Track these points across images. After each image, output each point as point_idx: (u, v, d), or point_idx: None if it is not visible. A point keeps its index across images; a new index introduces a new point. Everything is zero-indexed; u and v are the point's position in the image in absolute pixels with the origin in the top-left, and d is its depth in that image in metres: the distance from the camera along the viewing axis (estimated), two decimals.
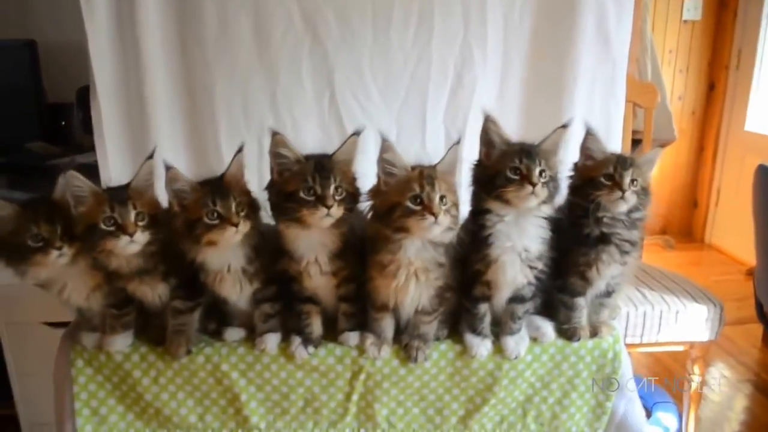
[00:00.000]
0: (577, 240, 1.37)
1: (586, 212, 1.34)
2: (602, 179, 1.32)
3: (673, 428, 2.51)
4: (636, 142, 2.68)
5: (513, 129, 2.07)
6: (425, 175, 1.22)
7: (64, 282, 1.33)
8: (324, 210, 1.23)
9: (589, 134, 1.37)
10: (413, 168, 1.24)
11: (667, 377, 2.99)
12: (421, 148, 2.10)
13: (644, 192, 1.35)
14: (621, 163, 1.32)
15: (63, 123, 2.75)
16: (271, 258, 1.35)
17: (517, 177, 1.25)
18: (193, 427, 1.41)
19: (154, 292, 1.35)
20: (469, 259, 1.34)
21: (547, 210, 1.32)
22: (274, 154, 1.28)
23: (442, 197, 1.21)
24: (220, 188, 1.25)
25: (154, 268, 1.31)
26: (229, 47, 1.97)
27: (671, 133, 3.06)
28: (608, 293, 1.47)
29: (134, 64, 1.96)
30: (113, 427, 1.42)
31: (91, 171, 1.97)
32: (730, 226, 4.50)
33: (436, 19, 2.00)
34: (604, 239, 1.36)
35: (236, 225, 1.23)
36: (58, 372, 1.43)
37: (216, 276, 1.32)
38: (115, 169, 1.98)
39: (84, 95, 2.37)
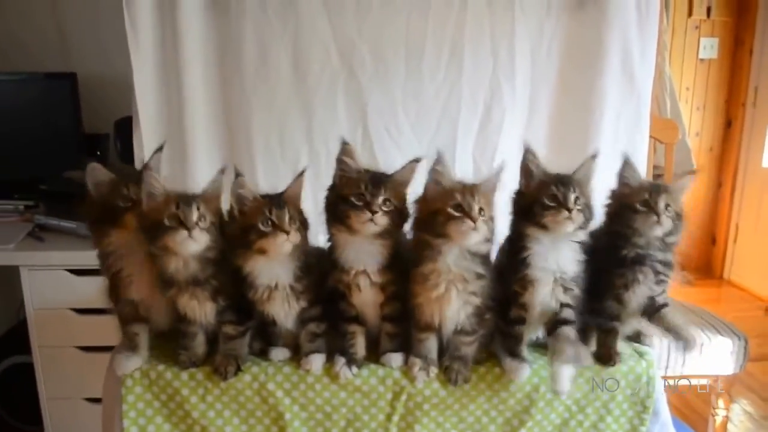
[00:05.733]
0: (614, 263, 1.42)
1: (623, 237, 1.41)
2: (638, 205, 1.39)
3: None
4: (656, 178, 2.74)
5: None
6: (467, 187, 1.31)
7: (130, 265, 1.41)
8: (368, 214, 1.30)
9: (626, 163, 1.45)
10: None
11: (690, 413, 2.99)
12: None
13: (678, 217, 1.41)
14: (655, 189, 1.40)
15: (99, 153, 2.83)
16: (319, 279, 1.40)
17: (554, 204, 1.32)
18: None
19: (201, 309, 1.39)
20: (507, 281, 1.39)
21: (582, 235, 1.38)
22: (340, 161, 1.37)
23: (480, 209, 1.29)
24: (278, 200, 1.33)
25: (206, 280, 1.35)
26: (267, 81, 2.06)
27: (691, 167, 3.11)
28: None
29: (176, 96, 2.05)
30: None
31: None
32: (749, 263, 4.50)
33: (466, 54, 2.07)
34: (640, 260, 1.42)
35: (287, 233, 1.29)
36: (107, 391, 1.47)
37: (264, 292, 1.37)
38: None
39: (122, 126, 2.47)
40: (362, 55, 2.05)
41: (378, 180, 1.34)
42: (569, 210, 1.31)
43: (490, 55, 2.08)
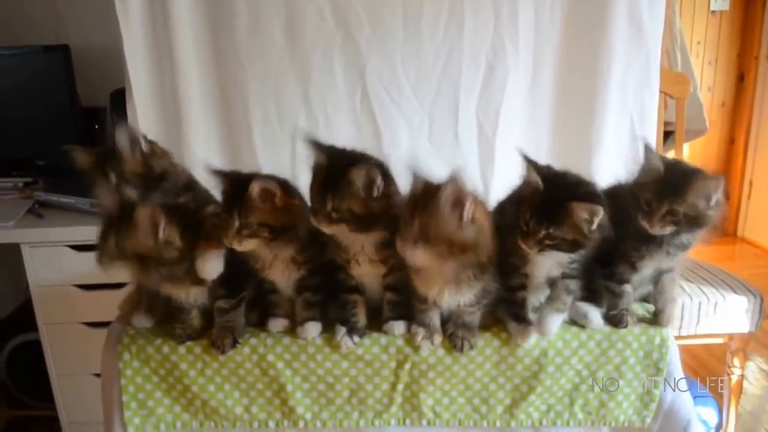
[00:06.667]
0: (628, 235, 1.34)
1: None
2: (644, 204, 1.28)
3: (713, 423, 2.48)
4: (667, 135, 2.65)
5: (546, 120, 2.11)
6: None
7: None
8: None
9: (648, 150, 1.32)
10: None
11: (704, 372, 2.95)
12: (454, 141, 2.11)
13: (693, 220, 1.28)
14: (661, 194, 1.26)
15: (96, 127, 2.78)
16: (319, 248, 1.36)
17: (525, 229, 1.25)
18: (239, 418, 1.42)
19: (187, 294, 1.35)
20: (506, 247, 1.31)
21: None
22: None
23: None
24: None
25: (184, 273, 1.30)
26: (261, 46, 2.00)
27: (703, 123, 3.00)
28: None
29: (168, 66, 2.00)
30: (160, 419, 1.43)
31: None
32: (764, 219, 4.43)
33: (466, 11, 2.00)
34: (654, 239, 1.34)
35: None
36: (105, 365, 1.44)
37: (264, 263, 1.34)
38: None
39: (117, 98, 2.41)
40: (358, 15, 1.98)
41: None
42: (529, 248, 1.26)
43: (491, 11, 2.01)
